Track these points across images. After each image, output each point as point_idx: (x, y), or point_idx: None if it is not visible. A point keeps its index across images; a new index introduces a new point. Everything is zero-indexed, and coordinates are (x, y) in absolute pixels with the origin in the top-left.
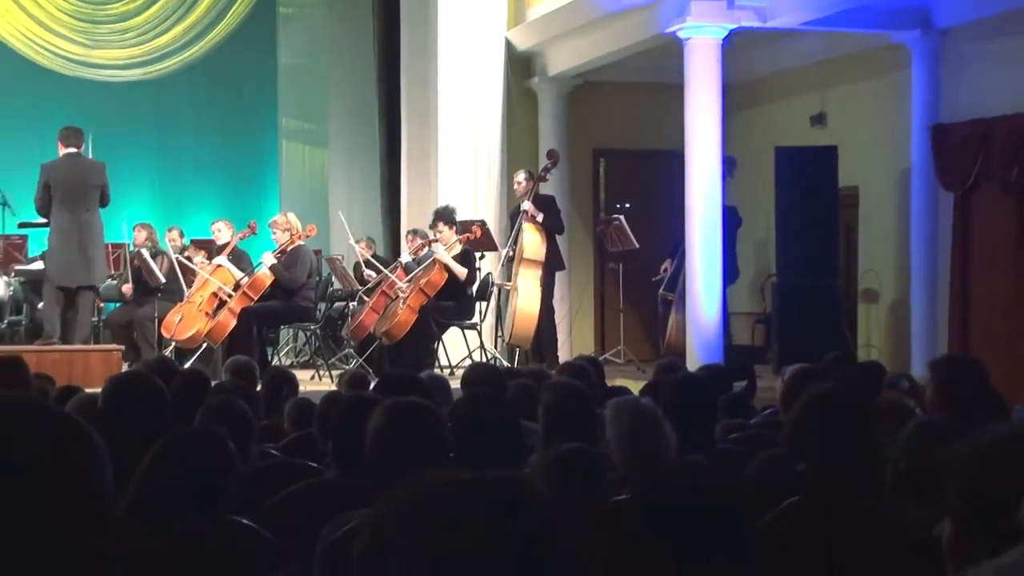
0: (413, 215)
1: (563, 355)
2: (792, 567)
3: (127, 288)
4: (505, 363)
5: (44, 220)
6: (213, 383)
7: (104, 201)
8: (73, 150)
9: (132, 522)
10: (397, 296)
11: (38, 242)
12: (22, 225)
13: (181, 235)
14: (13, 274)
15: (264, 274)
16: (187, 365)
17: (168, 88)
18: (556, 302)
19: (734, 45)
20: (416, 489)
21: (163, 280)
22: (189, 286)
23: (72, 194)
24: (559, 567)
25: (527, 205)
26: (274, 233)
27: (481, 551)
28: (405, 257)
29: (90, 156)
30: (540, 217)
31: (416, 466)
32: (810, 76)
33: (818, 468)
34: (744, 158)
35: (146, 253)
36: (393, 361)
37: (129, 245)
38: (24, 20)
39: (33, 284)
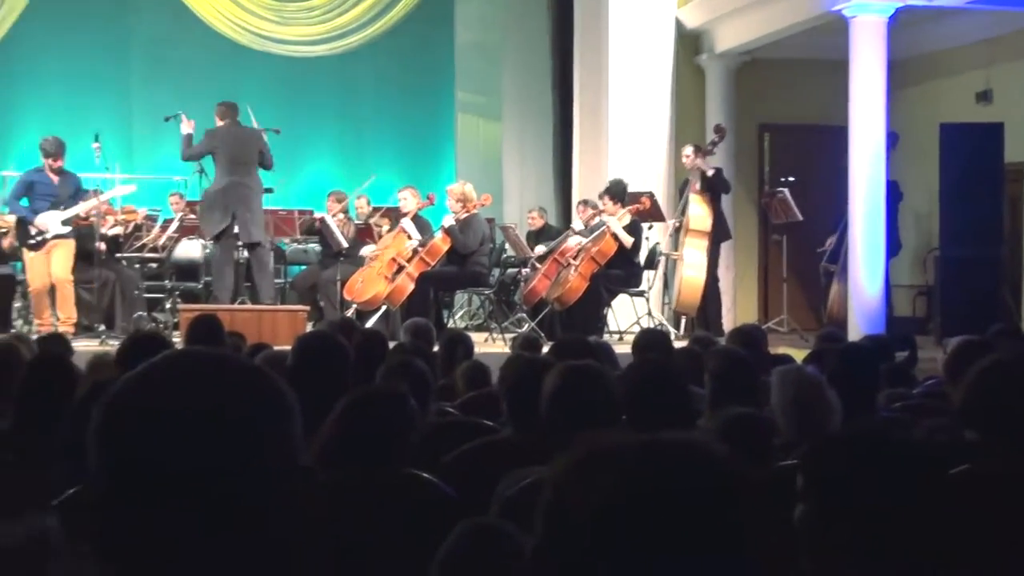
0: (584, 186)
1: (727, 323)
2: (964, 534)
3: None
4: (672, 330)
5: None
6: (391, 344)
7: (265, 163)
8: (229, 122)
9: (320, 473)
10: (569, 263)
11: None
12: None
13: (368, 203)
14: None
15: (440, 241)
16: (368, 325)
17: (350, 64)
18: (721, 271)
19: (899, 22)
20: (596, 447)
21: (346, 245)
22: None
23: (235, 159)
24: (738, 524)
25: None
26: (449, 200)
27: (662, 508)
28: (577, 226)
29: (253, 124)
30: (710, 172)
31: (588, 427)
32: (976, 53)
33: (992, 437)
34: (907, 134)
35: (329, 219)
36: (564, 326)
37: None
38: (223, 1)
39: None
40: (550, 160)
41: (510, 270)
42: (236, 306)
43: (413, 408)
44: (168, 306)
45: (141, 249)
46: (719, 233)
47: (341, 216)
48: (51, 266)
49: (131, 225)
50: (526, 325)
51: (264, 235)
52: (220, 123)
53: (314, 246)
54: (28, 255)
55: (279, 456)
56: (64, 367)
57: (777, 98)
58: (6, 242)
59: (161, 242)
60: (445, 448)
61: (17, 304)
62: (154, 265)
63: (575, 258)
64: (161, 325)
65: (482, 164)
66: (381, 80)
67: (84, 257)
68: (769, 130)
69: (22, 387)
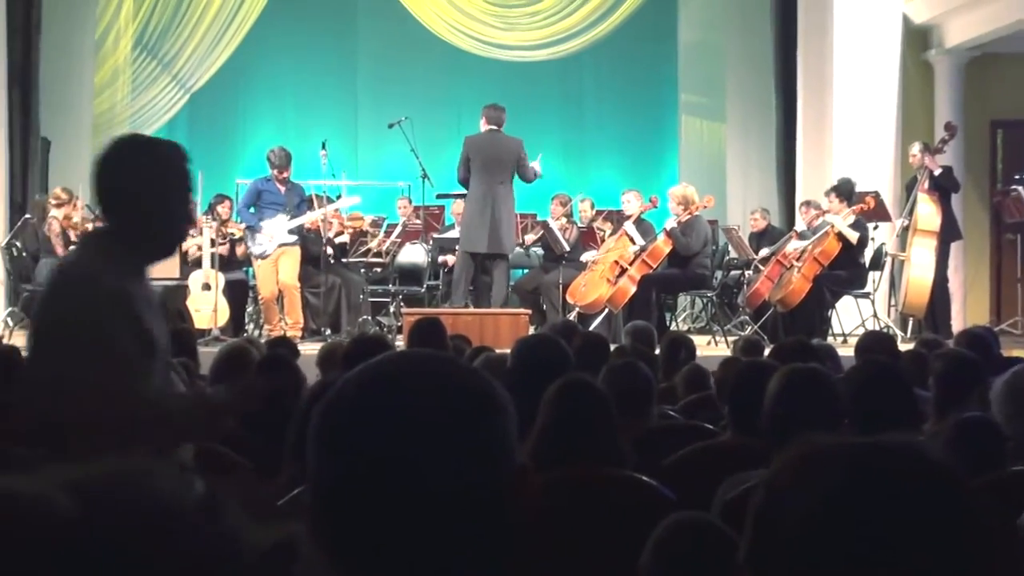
0: (808, 186)
1: (956, 325)
2: None
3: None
4: (898, 332)
5: (462, 191)
6: (613, 346)
7: (524, 175)
8: (494, 127)
9: (537, 472)
10: (792, 265)
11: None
12: (439, 196)
13: (592, 206)
14: (431, 242)
15: (662, 243)
16: (592, 327)
17: (572, 68)
18: (950, 272)
19: None
20: (813, 451)
21: (567, 248)
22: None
23: (488, 166)
24: (960, 533)
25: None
26: (671, 203)
27: (879, 515)
28: (800, 227)
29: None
30: (938, 171)
31: (810, 430)
32: None
33: None
34: None
35: (552, 223)
36: (787, 328)
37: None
38: (447, 8)
39: (444, 251)
40: (773, 160)
41: (733, 272)
42: (459, 309)
43: (607, 398)
44: (392, 310)
45: (366, 254)
46: (948, 233)
47: (564, 220)
48: (279, 273)
49: (356, 231)
50: (749, 328)
51: (512, 246)
52: (484, 127)
53: (537, 250)
54: (257, 262)
55: (494, 457)
56: (290, 369)
57: (1010, 94)
58: (240, 249)
59: (385, 247)
60: (666, 451)
61: (248, 309)
62: (378, 270)
63: (798, 259)
64: (385, 329)
65: (705, 166)
66: (603, 83)
67: (311, 262)
68: (1002, 127)
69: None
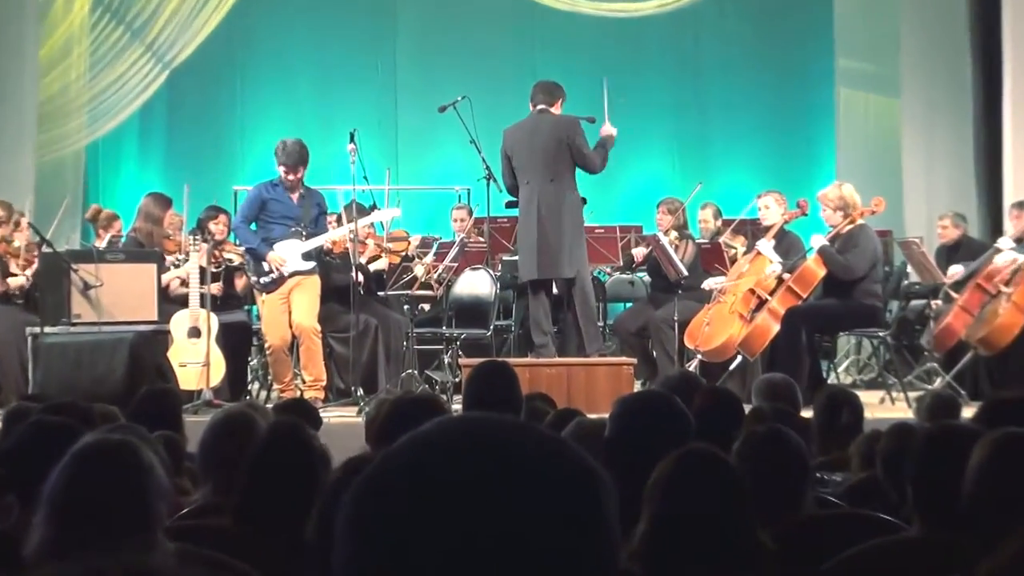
0: (1020, 183)
1: None
2: None
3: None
4: None
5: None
6: (747, 407)
7: (585, 164)
8: (541, 106)
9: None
10: (999, 291)
11: None
12: (511, 205)
13: (716, 215)
14: (500, 267)
15: (814, 264)
16: (720, 383)
17: (689, 23)
18: None
19: None
20: None
21: (685, 272)
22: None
23: (531, 160)
24: None
25: None
26: (824, 210)
27: None
28: (1004, 244)
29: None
30: None
31: None
32: None
33: None
34: None
35: (663, 239)
36: (995, 379)
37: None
38: None
39: (517, 280)
40: (970, 149)
41: (914, 303)
42: (538, 360)
43: (741, 480)
44: (447, 361)
45: (411, 285)
46: None
47: (676, 234)
48: (292, 312)
49: (398, 255)
50: (938, 379)
51: (584, 267)
52: (534, 110)
53: (642, 275)
54: (262, 298)
55: (590, 564)
56: (303, 444)
57: None
58: (239, 281)
59: (437, 275)
60: (826, 551)
61: (252, 362)
62: (427, 306)
63: (1007, 284)
64: (438, 387)
65: (872, 156)
66: (729, 44)
67: (336, 297)
68: None
69: (251, 473)
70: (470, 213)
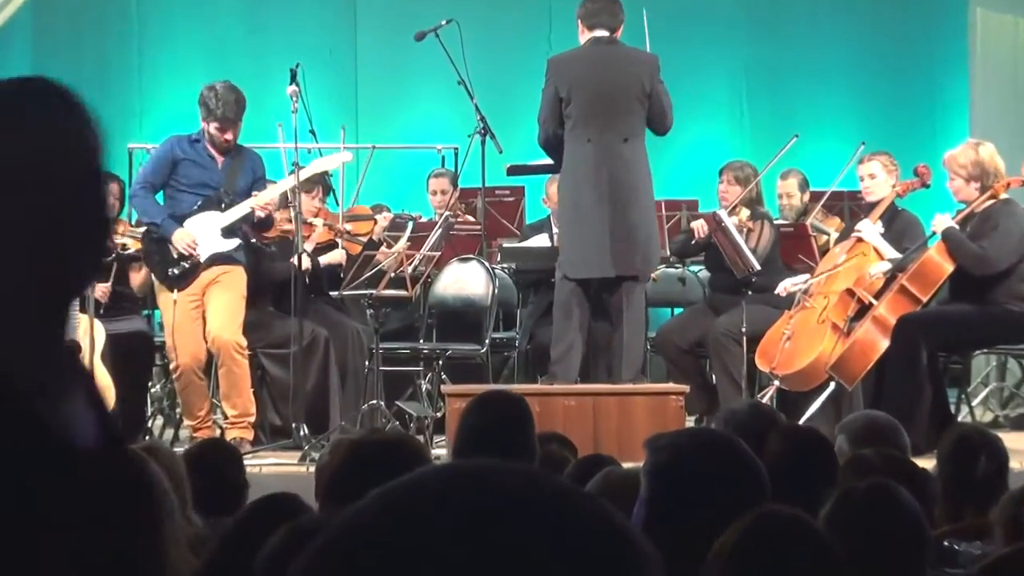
0: None
1: None
2: None
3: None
4: None
5: (548, 161)
6: (840, 451)
7: (663, 122)
8: (602, 33)
9: None
10: None
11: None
12: (514, 172)
13: (803, 185)
14: (499, 257)
15: (936, 255)
16: (804, 419)
17: None
18: None
19: None
20: None
21: (757, 266)
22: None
23: (600, 110)
24: None
25: None
26: (952, 180)
27: None
28: None
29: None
30: None
31: None
32: None
33: None
34: None
35: (726, 218)
36: None
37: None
38: None
39: (524, 275)
40: None
41: None
42: (558, 387)
43: (835, 554)
44: (425, 388)
45: (377, 282)
46: None
47: (747, 214)
48: (208, 318)
49: (361, 242)
50: None
51: (655, 260)
52: (584, 36)
53: (698, 270)
54: (165, 298)
55: None
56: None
57: None
58: (136, 275)
59: (412, 267)
60: None
61: (153, 388)
62: (388, 310)
63: None
64: (413, 425)
65: (1021, 106)
66: None
67: (271, 299)
68: None
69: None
70: (455, 182)
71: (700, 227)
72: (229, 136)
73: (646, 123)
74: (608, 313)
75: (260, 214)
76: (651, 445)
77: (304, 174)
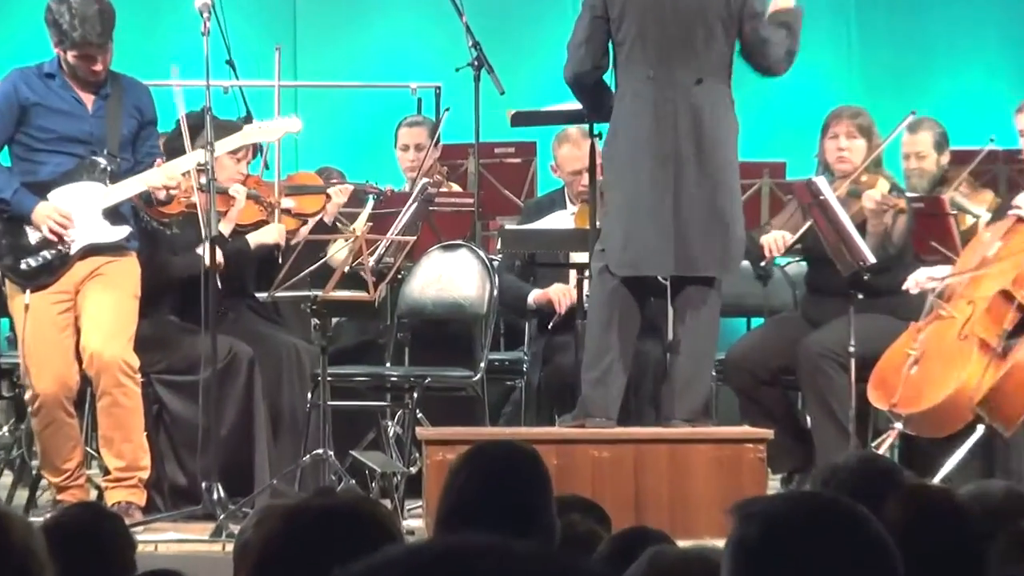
0: None
1: None
2: None
3: None
4: None
5: (573, 105)
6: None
7: (766, 53)
8: None
9: None
10: None
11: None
12: (519, 121)
13: (940, 143)
14: (500, 244)
15: None
16: (939, 478)
17: None
18: None
19: None
20: None
21: (870, 258)
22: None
23: (662, 36)
24: None
25: None
26: None
27: None
28: None
29: None
30: None
31: None
32: None
33: None
34: None
35: (825, 190)
36: None
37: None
38: None
39: (537, 269)
40: None
41: None
42: (583, 430)
43: None
44: (393, 430)
45: (324, 279)
46: None
47: (884, 186)
48: (84, 328)
49: (308, 220)
50: None
51: (740, 254)
52: None
53: (785, 263)
54: (16, 302)
55: None
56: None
57: None
58: None
59: (374, 257)
60: None
61: (4, 429)
62: (339, 320)
63: None
64: (374, 485)
65: None
66: None
67: (174, 303)
68: None
69: None
70: (436, 135)
71: (773, 244)
72: (97, 66)
73: (733, 58)
74: (660, 326)
75: (161, 195)
76: (740, 512)
77: (228, 144)
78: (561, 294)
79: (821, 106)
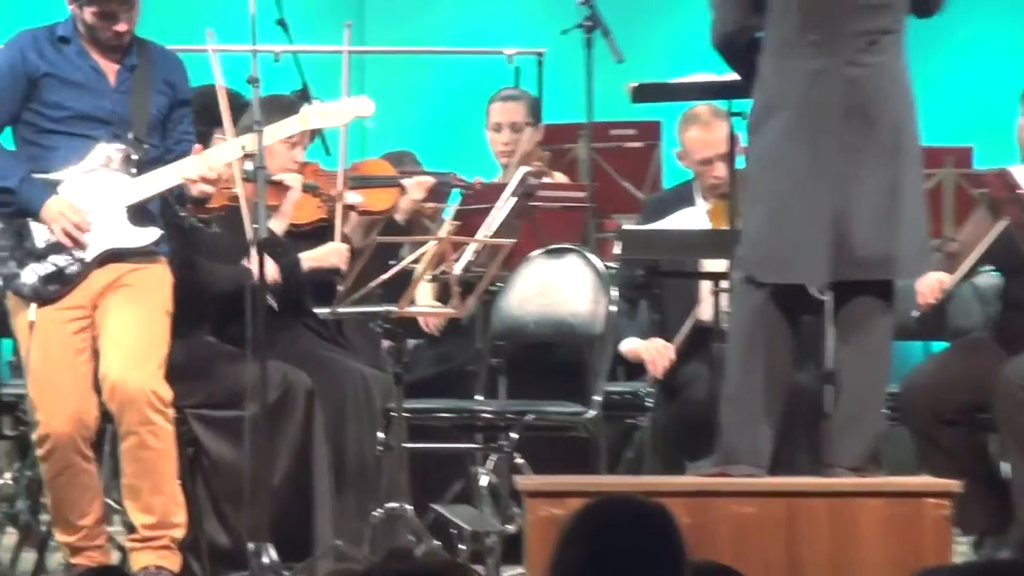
0: None
1: None
2: None
3: None
4: None
5: (716, 76)
6: None
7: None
8: None
9: None
10: None
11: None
12: (642, 95)
13: None
14: (618, 247)
15: None
16: None
17: None
18: None
19: None
20: None
21: None
22: None
23: (823, 10)
24: None
25: None
26: None
27: None
28: None
29: None
30: None
31: None
32: None
33: None
34: None
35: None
36: None
37: None
38: None
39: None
40: None
41: None
42: (723, 479)
43: None
44: (487, 479)
45: (399, 294)
46: None
47: None
48: (104, 351)
49: (376, 220)
50: None
51: (924, 253)
52: None
53: (984, 272)
54: (20, 319)
55: None
56: None
57: None
58: None
59: (460, 264)
60: None
61: (7, 476)
62: (419, 343)
63: None
64: (466, 546)
65: None
66: None
67: (214, 322)
68: None
69: None
70: (537, 114)
71: (927, 291)
72: (121, 26)
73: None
74: (818, 350)
75: (196, 190)
76: None
77: (284, 129)
78: (656, 353)
79: (1014, 81)
